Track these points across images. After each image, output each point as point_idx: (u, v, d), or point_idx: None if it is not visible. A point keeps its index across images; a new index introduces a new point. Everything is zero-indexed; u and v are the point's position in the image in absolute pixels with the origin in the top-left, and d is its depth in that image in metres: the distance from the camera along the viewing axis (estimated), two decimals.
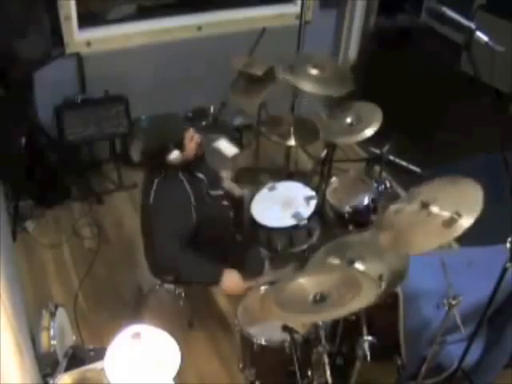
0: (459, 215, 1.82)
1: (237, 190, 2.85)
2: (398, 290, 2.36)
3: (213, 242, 2.58)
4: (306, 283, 2.07)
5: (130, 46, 3.69)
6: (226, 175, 2.90)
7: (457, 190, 1.96)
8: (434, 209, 1.90)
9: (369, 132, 2.90)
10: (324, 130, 3.19)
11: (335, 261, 2.31)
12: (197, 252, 2.50)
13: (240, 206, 2.83)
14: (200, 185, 2.63)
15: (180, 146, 2.48)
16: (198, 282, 2.66)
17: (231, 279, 2.50)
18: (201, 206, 2.56)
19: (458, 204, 1.87)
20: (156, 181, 2.48)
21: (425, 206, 1.94)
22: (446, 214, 1.86)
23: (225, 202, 2.76)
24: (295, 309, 1.99)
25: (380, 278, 2.20)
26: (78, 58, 3.56)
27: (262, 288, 2.49)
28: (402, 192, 3.55)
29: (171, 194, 2.48)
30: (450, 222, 1.83)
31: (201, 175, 2.66)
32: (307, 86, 2.98)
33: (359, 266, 2.26)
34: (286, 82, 3.05)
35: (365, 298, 1.90)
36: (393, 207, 2.07)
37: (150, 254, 2.71)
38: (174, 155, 2.46)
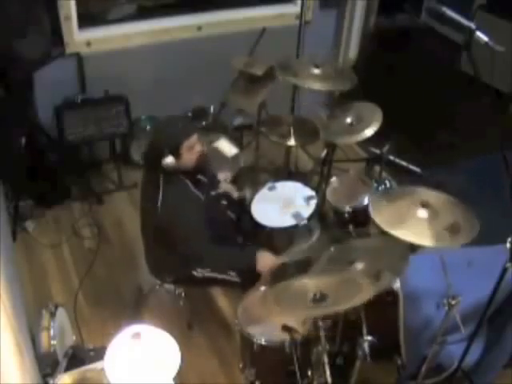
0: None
1: (235, 193, 2.84)
2: (398, 289, 2.36)
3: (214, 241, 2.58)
4: (306, 283, 2.08)
5: (129, 46, 3.69)
6: (223, 178, 2.88)
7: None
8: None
9: (369, 132, 2.90)
10: (324, 130, 3.19)
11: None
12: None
13: (242, 207, 2.83)
14: (200, 186, 2.62)
15: (175, 152, 2.38)
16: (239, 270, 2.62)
17: (266, 259, 2.51)
18: (203, 206, 2.56)
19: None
20: (161, 184, 2.42)
21: (425, 205, 1.96)
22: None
23: (224, 202, 2.76)
24: (295, 307, 1.99)
25: (378, 274, 2.20)
26: (78, 58, 3.56)
27: (262, 288, 2.49)
28: None
29: (178, 196, 2.44)
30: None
31: (202, 177, 2.65)
32: (309, 84, 2.98)
33: (359, 265, 2.26)
34: (286, 82, 3.05)
35: (363, 297, 1.91)
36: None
37: (150, 255, 2.71)
38: (168, 160, 2.37)
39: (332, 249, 2.36)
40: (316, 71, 3.03)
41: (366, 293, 1.93)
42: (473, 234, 1.88)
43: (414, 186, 2.15)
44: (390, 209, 2.03)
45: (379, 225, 1.95)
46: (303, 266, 2.46)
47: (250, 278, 2.59)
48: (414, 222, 1.95)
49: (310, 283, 2.08)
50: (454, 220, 1.94)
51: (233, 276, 2.61)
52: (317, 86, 2.99)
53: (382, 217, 1.98)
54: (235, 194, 2.84)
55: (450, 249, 1.90)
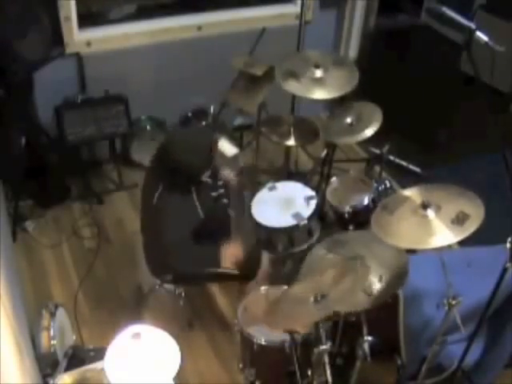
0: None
1: (228, 150, 2.87)
2: (398, 289, 2.36)
3: (213, 241, 2.58)
4: (305, 286, 2.08)
5: (129, 46, 3.69)
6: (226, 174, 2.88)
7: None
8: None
9: (369, 132, 2.90)
10: (324, 130, 3.19)
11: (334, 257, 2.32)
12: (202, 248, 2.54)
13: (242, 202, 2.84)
14: (202, 187, 2.62)
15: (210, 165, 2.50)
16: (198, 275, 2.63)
17: (229, 253, 2.54)
18: (203, 206, 2.57)
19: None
20: (162, 184, 2.44)
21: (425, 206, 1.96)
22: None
23: (225, 200, 2.76)
24: (299, 313, 1.99)
25: (380, 278, 2.20)
26: (78, 58, 3.56)
27: (262, 288, 2.49)
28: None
29: (176, 196, 2.46)
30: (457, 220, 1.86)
31: (206, 179, 2.65)
32: (315, 93, 2.97)
33: (357, 264, 2.26)
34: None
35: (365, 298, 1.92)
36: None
37: (149, 254, 2.71)
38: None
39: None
40: (318, 73, 3.01)
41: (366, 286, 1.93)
42: (481, 215, 1.85)
43: (402, 190, 2.13)
44: (398, 225, 1.97)
45: (402, 247, 1.92)
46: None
47: (248, 269, 2.60)
48: (430, 226, 1.91)
49: (308, 286, 2.08)
50: (458, 209, 1.90)
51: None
52: (320, 94, 2.97)
53: (399, 239, 1.94)
54: (229, 152, 2.87)
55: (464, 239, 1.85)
